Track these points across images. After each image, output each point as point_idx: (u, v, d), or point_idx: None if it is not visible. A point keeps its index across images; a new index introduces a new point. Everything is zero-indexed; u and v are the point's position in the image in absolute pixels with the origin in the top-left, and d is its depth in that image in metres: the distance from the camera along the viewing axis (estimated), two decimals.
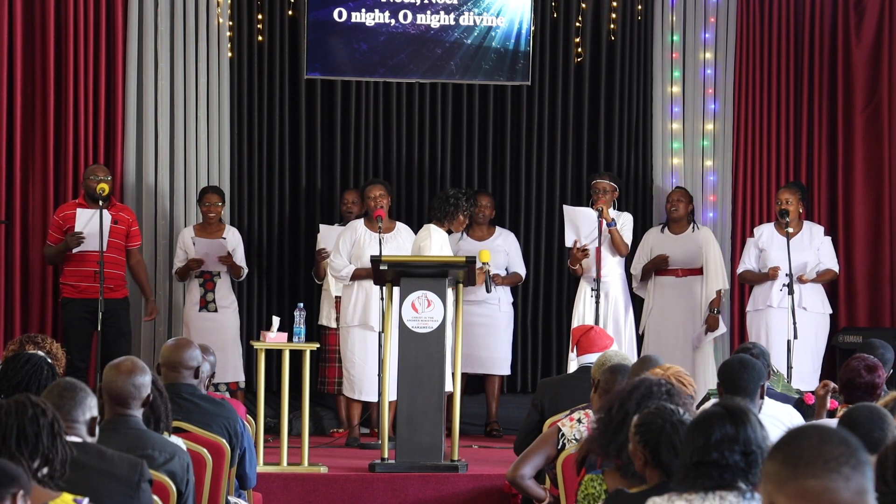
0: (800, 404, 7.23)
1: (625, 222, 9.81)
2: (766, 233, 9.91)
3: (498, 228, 10.34)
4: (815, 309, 9.84)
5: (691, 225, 10.23)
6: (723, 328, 10.25)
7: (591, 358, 6.89)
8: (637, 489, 3.96)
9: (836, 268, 9.99)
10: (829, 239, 10.04)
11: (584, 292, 9.69)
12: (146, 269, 9.91)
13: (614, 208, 9.89)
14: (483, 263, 8.71)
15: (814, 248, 9.86)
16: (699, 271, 10.14)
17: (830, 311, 10.04)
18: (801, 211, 9.88)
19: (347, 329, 9.60)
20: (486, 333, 10.05)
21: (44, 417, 3.66)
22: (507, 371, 10.30)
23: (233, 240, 9.89)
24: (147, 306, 9.81)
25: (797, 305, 9.59)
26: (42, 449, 3.62)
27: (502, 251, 10.11)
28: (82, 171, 9.97)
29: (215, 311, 9.84)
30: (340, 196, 10.34)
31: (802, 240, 9.82)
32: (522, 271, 10.26)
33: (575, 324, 9.64)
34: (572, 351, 7.74)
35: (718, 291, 10.09)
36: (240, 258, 9.88)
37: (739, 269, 10.02)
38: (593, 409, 5.69)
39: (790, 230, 9.67)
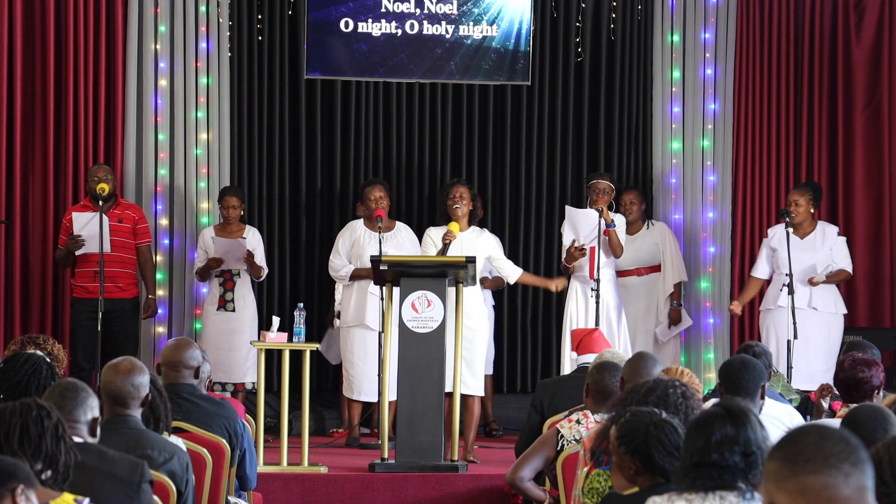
0: (805, 403, 7.23)
1: (619, 224, 9.80)
2: (778, 233, 9.86)
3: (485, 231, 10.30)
4: (827, 309, 9.77)
5: (646, 223, 10.29)
6: (687, 320, 10.28)
7: (592, 358, 6.94)
8: (629, 491, 3.96)
9: (849, 268, 9.90)
10: (842, 239, 9.96)
11: (576, 292, 9.67)
12: (153, 267, 9.90)
13: (609, 209, 9.89)
14: (450, 231, 8.79)
15: (826, 249, 9.81)
16: (660, 268, 10.22)
17: (845, 312, 9.97)
18: (812, 211, 9.84)
19: (346, 330, 9.61)
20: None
21: (48, 420, 3.64)
22: (490, 370, 10.27)
23: (252, 240, 9.88)
24: (146, 303, 9.80)
25: (807, 305, 9.61)
26: (45, 451, 3.61)
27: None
28: (82, 171, 9.98)
29: (233, 310, 9.82)
30: (361, 192, 10.12)
31: (815, 240, 9.79)
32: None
33: (567, 323, 9.65)
34: (573, 350, 7.74)
35: (677, 284, 10.16)
36: (259, 258, 9.87)
37: (752, 273, 9.98)
38: (591, 411, 5.70)
39: (789, 230, 9.67)
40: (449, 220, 9.07)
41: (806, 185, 10.06)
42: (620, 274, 10.17)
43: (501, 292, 10.49)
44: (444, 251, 8.86)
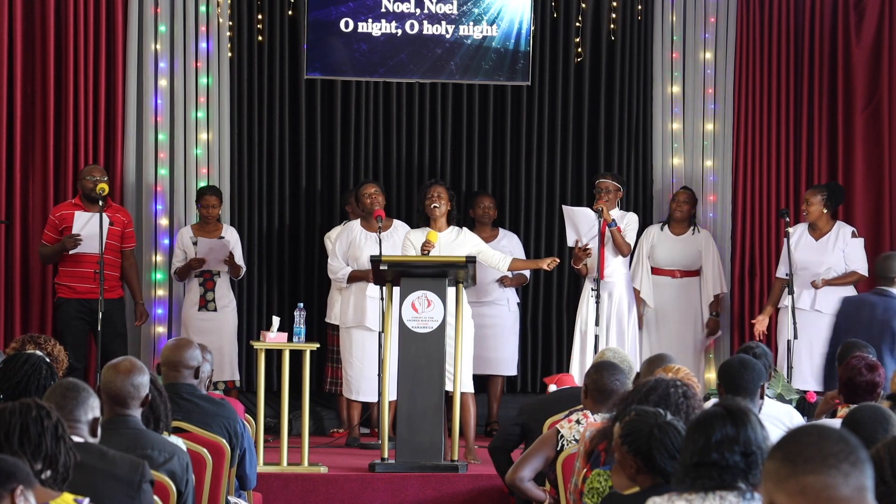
0: (802, 402, 7.25)
1: (629, 222, 9.78)
2: (797, 233, 9.85)
3: (501, 230, 10.31)
4: (832, 311, 9.72)
5: (692, 227, 10.26)
6: (721, 331, 10.33)
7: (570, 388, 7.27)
8: (630, 491, 3.96)
9: (862, 270, 9.79)
10: (858, 241, 9.87)
11: (587, 293, 9.66)
12: (138, 272, 9.90)
13: (619, 208, 9.88)
14: (428, 240, 8.71)
15: (837, 251, 9.77)
16: (696, 273, 10.19)
17: None
18: (824, 211, 9.82)
19: (345, 330, 9.62)
20: (494, 335, 10.00)
21: (48, 419, 3.64)
22: (513, 371, 10.29)
23: (231, 239, 9.90)
24: (136, 309, 9.79)
25: (810, 307, 9.59)
26: (45, 450, 3.61)
27: (507, 252, 10.04)
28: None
29: (215, 310, 9.85)
30: (355, 193, 10.09)
31: (828, 241, 9.78)
32: (527, 272, 10.23)
33: (578, 324, 9.65)
34: (554, 384, 7.82)
35: (717, 295, 10.16)
36: (238, 257, 9.89)
37: (777, 273, 9.97)
38: (591, 411, 5.70)
39: (789, 230, 9.67)
40: (428, 221, 9.02)
41: (821, 186, 10.04)
42: (655, 272, 10.16)
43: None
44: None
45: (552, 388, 7.87)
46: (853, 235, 9.89)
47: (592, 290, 9.46)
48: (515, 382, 10.72)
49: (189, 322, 9.87)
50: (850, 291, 9.84)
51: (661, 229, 10.23)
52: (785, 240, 9.67)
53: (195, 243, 9.80)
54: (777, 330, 9.91)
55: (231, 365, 9.87)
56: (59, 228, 9.55)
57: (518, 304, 10.35)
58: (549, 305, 10.80)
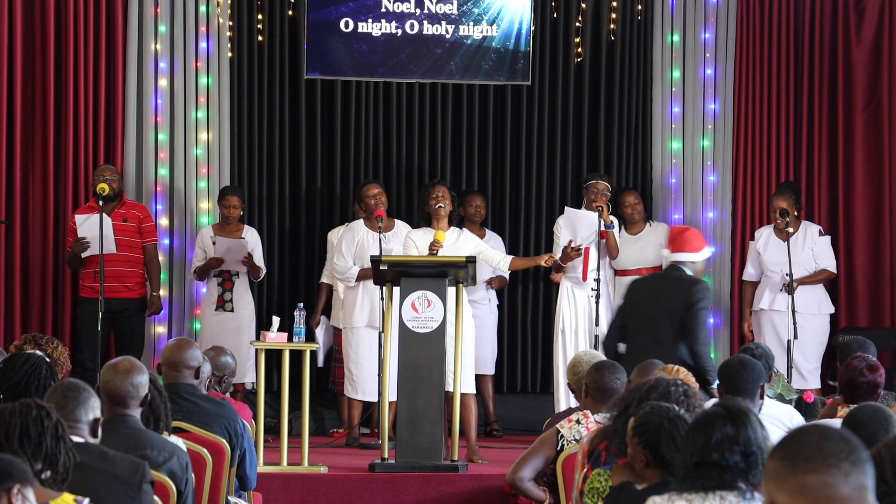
0: (799, 403, 7.24)
1: (615, 225, 9.80)
2: (764, 235, 9.96)
3: (488, 232, 10.30)
4: (807, 310, 9.76)
5: (648, 223, 10.28)
6: None
7: (683, 256, 7.58)
8: (643, 486, 3.96)
9: (831, 267, 9.92)
10: (825, 238, 9.99)
11: (567, 291, 9.63)
12: (159, 266, 9.90)
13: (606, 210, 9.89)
14: (437, 240, 8.71)
15: (807, 250, 9.84)
16: (660, 269, 10.20)
17: (831, 311, 10.00)
18: (795, 213, 9.87)
19: (352, 329, 9.59)
20: (477, 335, 9.98)
21: (48, 420, 3.64)
22: (491, 370, 10.25)
23: (252, 240, 9.89)
24: (150, 299, 9.79)
25: (785, 307, 9.60)
26: (45, 450, 3.61)
27: None
28: (82, 172, 10.00)
29: (232, 311, 9.83)
30: (358, 193, 10.09)
31: (797, 241, 9.83)
32: (507, 273, 10.22)
33: (558, 323, 9.62)
34: (666, 248, 7.94)
35: None
36: (258, 258, 9.88)
37: (744, 277, 10.05)
38: (591, 411, 5.70)
39: (790, 230, 9.68)
40: (429, 221, 9.00)
41: (785, 188, 10.03)
42: (620, 273, 10.15)
43: (501, 293, 10.48)
44: None
45: (665, 253, 8.19)
46: (820, 234, 9.96)
47: (593, 290, 9.45)
48: (515, 382, 10.71)
49: (206, 322, 9.87)
50: (821, 290, 9.88)
51: (619, 234, 10.17)
52: (771, 242, 9.74)
53: (215, 243, 9.78)
54: (758, 331, 9.93)
55: (243, 367, 9.71)
56: (76, 233, 9.57)
57: (497, 304, 10.33)
58: (547, 305, 10.76)
